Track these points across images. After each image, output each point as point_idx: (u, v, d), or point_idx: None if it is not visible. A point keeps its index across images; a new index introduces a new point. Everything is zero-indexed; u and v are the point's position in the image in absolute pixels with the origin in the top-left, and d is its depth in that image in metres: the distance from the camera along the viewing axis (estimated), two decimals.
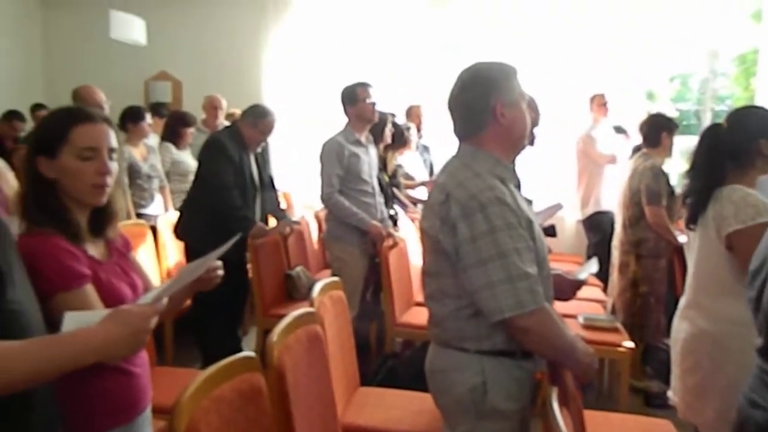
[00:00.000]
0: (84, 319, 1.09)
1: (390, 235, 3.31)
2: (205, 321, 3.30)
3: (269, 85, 6.25)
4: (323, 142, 3.37)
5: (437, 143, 5.23)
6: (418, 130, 4.87)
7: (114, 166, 1.39)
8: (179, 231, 3.46)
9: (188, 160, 4.52)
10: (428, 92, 5.61)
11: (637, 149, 3.84)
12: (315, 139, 5.84)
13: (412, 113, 5.02)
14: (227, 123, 4.87)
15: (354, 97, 3.26)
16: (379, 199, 3.44)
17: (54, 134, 1.33)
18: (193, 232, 3.35)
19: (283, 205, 4.01)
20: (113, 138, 1.40)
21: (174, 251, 3.87)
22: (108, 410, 1.36)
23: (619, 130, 4.91)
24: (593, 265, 1.96)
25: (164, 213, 4.18)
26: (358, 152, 3.29)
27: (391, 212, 3.68)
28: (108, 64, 6.30)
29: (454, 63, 5.39)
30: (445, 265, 1.47)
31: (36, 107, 5.81)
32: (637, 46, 5.42)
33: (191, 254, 3.40)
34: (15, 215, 1.79)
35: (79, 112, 1.38)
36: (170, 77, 6.55)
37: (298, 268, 3.76)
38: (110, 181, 1.38)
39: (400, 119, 4.63)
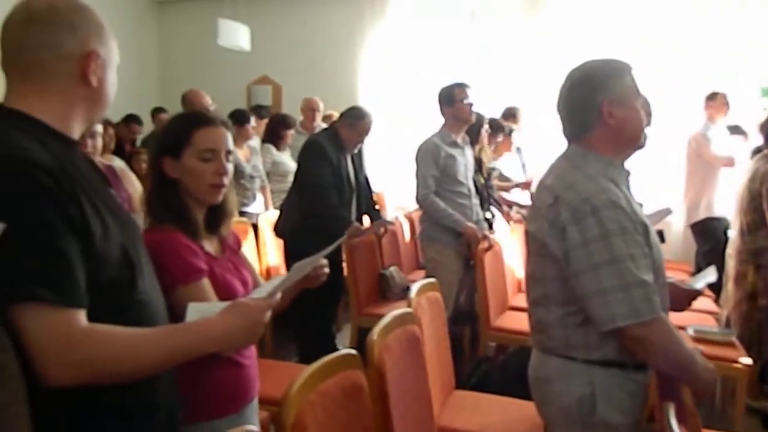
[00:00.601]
0: (206, 310, 1.16)
1: (485, 237, 3.26)
2: (302, 317, 3.40)
3: (365, 87, 6.36)
4: (419, 143, 3.38)
5: (529, 144, 5.10)
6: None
7: (230, 167, 1.46)
8: (279, 229, 3.59)
9: (288, 161, 4.68)
10: (522, 93, 5.50)
11: (757, 150, 3.54)
12: (408, 140, 5.89)
13: (511, 114, 4.90)
14: (324, 125, 5.00)
15: (451, 98, 3.24)
16: (475, 200, 3.40)
17: (178, 136, 1.43)
18: (292, 230, 3.46)
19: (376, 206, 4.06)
20: (230, 140, 1.48)
21: (273, 248, 4.03)
22: (220, 399, 1.43)
23: (735, 130, 4.54)
24: (711, 274, 1.83)
25: (265, 212, 4.36)
26: (454, 153, 3.27)
27: (488, 215, 3.62)
28: (215, 69, 6.67)
29: (553, 63, 5.27)
30: (552, 270, 1.43)
31: (156, 111, 6.24)
32: (752, 39, 5.01)
33: (290, 251, 3.52)
34: (138, 212, 1.93)
35: (200, 116, 1.46)
36: (271, 81, 6.83)
37: (392, 268, 3.79)
38: (227, 181, 1.45)
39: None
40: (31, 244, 0.92)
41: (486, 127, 3.67)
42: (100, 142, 2.26)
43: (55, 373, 0.92)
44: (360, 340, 3.53)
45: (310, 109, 5.32)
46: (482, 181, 3.67)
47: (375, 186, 4.16)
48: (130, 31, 6.55)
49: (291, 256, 3.47)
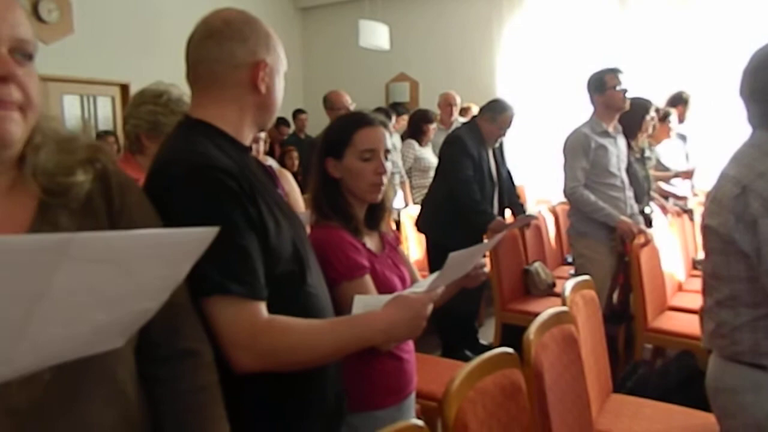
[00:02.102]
0: (370, 303, 1.20)
1: (641, 232, 3.04)
2: (445, 311, 3.40)
3: (503, 78, 6.22)
4: (563, 134, 3.23)
5: (696, 132, 4.65)
6: (682, 118, 4.37)
7: (389, 165, 1.50)
8: (420, 224, 3.64)
9: (429, 156, 4.71)
10: (679, 79, 5.07)
11: None
12: (549, 132, 5.68)
13: (681, 99, 4.49)
14: (462, 119, 4.97)
15: (602, 85, 3.05)
16: (629, 193, 3.18)
17: (340, 138, 1.48)
18: (434, 225, 3.49)
19: None
20: (388, 140, 1.52)
21: (415, 243, 4.08)
22: (382, 390, 1.48)
23: None
24: None
25: (405, 207, 4.43)
26: (605, 143, 3.07)
27: (647, 210, 3.37)
28: (354, 69, 6.90)
29: (713, 47, 4.80)
30: (739, 268, 1.29)
31: (297, 112, 6.62)
32: None
33: (432, 246, 3.55)
34: (297, 210, 2.03)
35: (360, 118, 1.51)
36: (408, 78, 6.92)
37: (536, 264, 3.69)
38: (386, 179, 1.49)
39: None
40: (221, 242, 0.98)
41: (652, 114, 3.40)
42: (262, 146, 2.42)
43: (242, 360, 1.00)
44: (504, 336, 3.48)
45: (447, 104, 5.31)
46: (644, 172, 3.42)
47: (516, 179, 4.06)
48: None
49: (434, 251, 3.50)
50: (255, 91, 1.12)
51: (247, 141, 1.17)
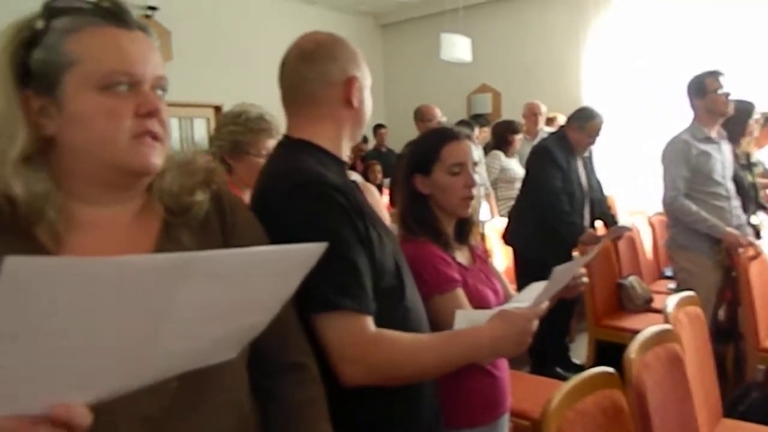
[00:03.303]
0: (474, 318, 1.18)
1: (750, 243, 2.82)
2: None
3: (589, 86, 6.02)
4: (666, 141, 3.06)
5: None
6: None
7: (477, 178, 1.48)
8: (508, 237, 3.56)
9: (516, 167, 4.61)
10: None
11: None
12: (642, 140, 5.43)
13: None
14: (548, 129, 4.84)
15: (702, 89, 2.88)
16: (735, 203, 2.96)
17: (427, 154, 1.48)
18: (522, 237, 3.40)
19: None
20: (475, 152, 1.50)
21: (501, 256, 4.00)
22: (476, 408, 1.45)
23: None
24: None
25: (491, 219, 4.35)
26: (708, 150, 2.89)
27: (753, 219, 3.13)
28: (436, 82, 6.92)
29: None
30: None
31: (377, 127, 6.72)
32: None
33: (519, 259, 3.46)
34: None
35: (446, 132, 1.51)
36: (490, 89, 6.85)
37: (631, 278, 3.52)
38: (475, 192, 1.47)
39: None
40: (331, 257, 0.99)
41: (757, 117, 3.18)
42: None
43: (351, 373, 1.01)
44: (598, 353, 3.33)
45: (532, 113, 5.19)
46: (750, 179, 3.19)
47: (606, 190, 3.90)
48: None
49: (523, 265, 3.41)
50: (349, 106, 1.15)
51: (344, 156, 1.20)
